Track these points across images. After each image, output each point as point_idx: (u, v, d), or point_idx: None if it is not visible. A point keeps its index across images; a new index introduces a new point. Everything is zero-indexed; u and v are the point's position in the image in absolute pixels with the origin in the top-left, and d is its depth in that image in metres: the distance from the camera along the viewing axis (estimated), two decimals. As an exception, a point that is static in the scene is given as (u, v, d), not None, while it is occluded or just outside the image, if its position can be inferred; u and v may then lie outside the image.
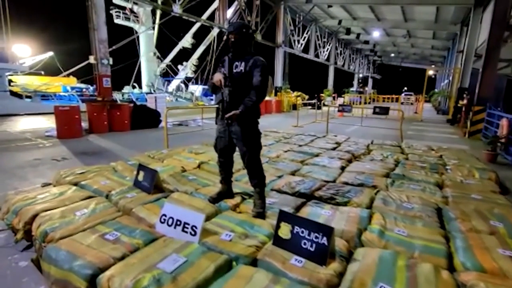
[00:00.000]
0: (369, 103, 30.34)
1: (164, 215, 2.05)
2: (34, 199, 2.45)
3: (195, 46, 23.76)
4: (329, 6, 16.46)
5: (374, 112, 7.66)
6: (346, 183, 3.13)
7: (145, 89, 23.75)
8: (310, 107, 21.11)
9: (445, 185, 3.25)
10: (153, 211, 2.29)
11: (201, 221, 1.90)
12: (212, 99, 26.08)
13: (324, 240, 1.64)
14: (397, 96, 32.06)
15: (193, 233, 1.89)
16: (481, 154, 5.58)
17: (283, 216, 1.83)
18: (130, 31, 22.34)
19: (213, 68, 25.72)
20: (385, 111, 7.39)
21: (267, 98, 16.83)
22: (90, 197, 2.56)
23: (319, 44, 23.63)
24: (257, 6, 16.14)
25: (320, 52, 24.26)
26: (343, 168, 3.85)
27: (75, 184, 2.94)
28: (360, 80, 37.47)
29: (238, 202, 2.62)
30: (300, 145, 5.31)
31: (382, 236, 1.97)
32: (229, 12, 15.58)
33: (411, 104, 26.65)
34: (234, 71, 2.25)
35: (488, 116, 7.86)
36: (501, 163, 5.24)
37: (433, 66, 37.02)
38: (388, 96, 33.83)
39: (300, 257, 1.66)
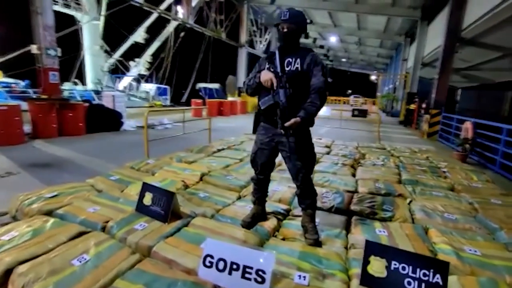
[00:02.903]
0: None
1: (210, 256, 1.55)
2: (-3, 243, 1.69)
3: (149, 41, 22.01)
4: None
5: (353, 115, 7.86)
6: (372, 193, 2.94)
7: (90, 86, 21.14)
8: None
9: (456, 190, 3.29)
10: (182, 248, 1.75)
11: (271, 263, 1.45)
12: (167, 99, 24.58)
13: (438, 279, 1.35)
14: (346, 99, 34.65)
15: (259, 280, 1.44)
16: (452, 155, 6.04)
17: (372, 249, 1.50)
18: (71, 20, 19.67)
19: (169, 66, 24.35)
20: (363, 113, 7.64)
21: (232, 98, 16.32)
22: (81, 233, 1.88)
23: (278, 46, 23.94)
24: (221, 3, 15.56)
25: (279, 54, 24.60)
26: (353, 175, 3.69)
27: (49, 214, 2.19)
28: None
29: (275, 225, 2.21)
30: (293, 150, 5.04)
31: (461, 258, 1.77)
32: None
33: (359, 106, 28.80)
34: (287, 68, 1.84)
35: (443, 119, 8.68)
36: (471, 163, 5.71)
37: (375, 72, 40.76)
38: (338, 98, 36.43)
39: (408, 301, 1.35)
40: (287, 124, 1.71)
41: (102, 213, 2.18)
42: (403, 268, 1.42)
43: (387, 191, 2.97)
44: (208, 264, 1.55)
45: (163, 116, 9.99)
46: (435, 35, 11.94)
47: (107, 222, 2.06)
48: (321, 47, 27.27)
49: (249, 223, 2.12)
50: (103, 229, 2.02)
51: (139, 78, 24.08)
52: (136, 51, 22.76)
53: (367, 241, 1.52)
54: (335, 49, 29.22)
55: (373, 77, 44.57)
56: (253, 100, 18.50)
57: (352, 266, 1.67)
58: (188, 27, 21.93)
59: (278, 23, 1.86)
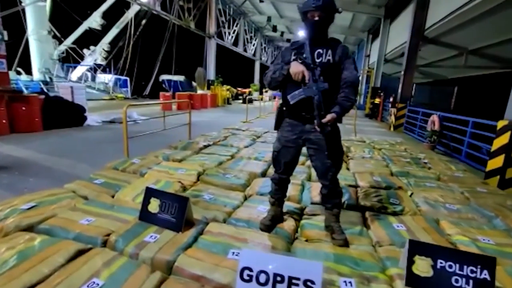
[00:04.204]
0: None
1: (248, 268, 1.39)
2: (-27, 274, 1.34)
3: (106, 28, 20.19)
4: (261, 1, 16.48)
5: None
6: (374, 187, 2.98)
7: (37, 76, 18.81)
8: (241, 101, 21.07)
9: (442, 180, 3.48)
10: (208, 261, 1.56)
11: (319, 272, 1.34)
12: (127, 91, 22.94)
13: (485, 274, 1.36)
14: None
15: (309, 291, 1.32)
16: (423, 146, 6.49)
17: (416, 248, 1.46)
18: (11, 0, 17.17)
19: (130, 55, 22.71)
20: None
21: (201, 91, 15.78)
22: (80, 252, 1.58)
23: (246, 39, 23.65)
24: (188, -10, 14.78)
25: (247, 46, 24.35)
26: (347, 169, 3.73)
27: (29, 229, 1.83)
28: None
29: (294, 226, 2.10)
30: (281, 145, 4.97)
31: (480, 249, 1.84)
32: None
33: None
34: (318, 60, 1.70)
35: (408, 112, 9.31)
36: (438, 153, 6.19)
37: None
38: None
39: (458, 299, 1.34)
40: (324, 120, 1.59)
41: (98, 225, 1.87)
42: (450, 266, 1.41)
43: (387, 184, 3.03)
44: (246, 277, 1.38)
45: (130, 110, 9.25)
46: (397, 34, 12.68)
47: (108, 235, 1.77)
48: (288, 40, 27.55)
49: (269, 226, 1.98)
50: (104, 244, 1.73)
51: (96, 68, 22.12)
52: (92, 38, 20.79)
53: (410, 240, 1.49)
54: (301, 44, 29.70)
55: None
56: (222, 94, 18.07)
57: (387, 266, 1.63)
58: (150, 15, 20.64)
59: (307, 10, 1.70)
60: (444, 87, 17.76)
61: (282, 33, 24.02)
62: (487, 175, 4.02)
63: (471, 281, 1.37)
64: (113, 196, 2.43)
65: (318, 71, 1.65)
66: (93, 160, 4.14)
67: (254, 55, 26.68)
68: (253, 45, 25.87)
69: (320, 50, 1.72)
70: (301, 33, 19.51)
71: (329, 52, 1.71)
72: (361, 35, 20.45)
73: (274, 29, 21.64)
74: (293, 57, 1.75)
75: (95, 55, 21.30)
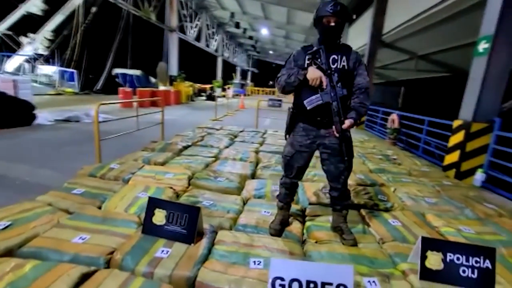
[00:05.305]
0: (249, 95, 32.91)
1: (280, 278, 1.37)
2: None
3: (49, 14, 18.02)
4: (225, -4, 16.19)
5: (270, 105, 8.53)
6: (360, 185, 3.14)
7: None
8: (204, 98, 20.56)
9: (413, 175, 3.82)
10: (230, 273, 1.50)
11: (351, 276, 1.37)
12: (74, 85, 20.82)
13: (488, 263, 1.53)
14: (272, 90, 36.52)
15: (342, 295, 1.35)
16: (386, 142, 7.04)
17: (428, 244, 1.58)
18: None
19: (79, 45, 20.68)
20: (279, 103, 8.37)
21: (164, 87, 14.95)
22: (86, 275, 1.40)
23: (208, 34, 23.10)
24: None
25: (210, 42, 23.82)
26: (330, 167, 3.88)
27: (9, 254, 1.56)
28: (241, 73, 39.73)
29: (301, 228, 2.12)
30: (260, 144, 4.97)
31: (466, 238, 2.06)
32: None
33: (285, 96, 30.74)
34: (333, 66, 1.72)
35: (369, 111, 10.01)
36: (400, 149, 6.78)
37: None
38: (263, 88, 38.29)
39: (465, 288, 1.49)
40: (344, 126, 1.62)
41: (97, 243, 1.67)
42: (458, 259, 1.55)
43: (371, 182, 3.23)
44: (278, 287, 1.36)
45: (86, 108, 8.44)
46: (355, 37, 13.50)
47: (111, 253, 1.59)
48: (250, 38, 27.62)
49: (279, 231, 1.97)
50: (108, 264, 1.55)
51: (36, 58, 19.65)
52: (31, 24, 18.37)
53: (422, 237, 1.60)
54: (263, 41, 30.02)
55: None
56: (186, 90, 17.40)
57: (397, 261, 1.73)
58: (101, 1, 18.97)
59: (323, 15, 1.70)
60: (392, 87, 19.48)
61: (245, 30, 23.96)
62: (445, 169, 4.51)
63: (476, 271, 1.53)
64: (99, 208, 2.19)
65: (335, 77, 1.67)
66: (56, 166, 3.69)
67: (216, 51, 26.21)
68: (215, 41, 25.37)
69: (335, 56, 1.74)
70: (264, 31, 19.60)
71: (344, 58, 1.75)
72: (320, 35, 21.31)
73: (237, 25, 21.49)
74: (307, 62, 1.75)
75: (36, 44, 18.90)
